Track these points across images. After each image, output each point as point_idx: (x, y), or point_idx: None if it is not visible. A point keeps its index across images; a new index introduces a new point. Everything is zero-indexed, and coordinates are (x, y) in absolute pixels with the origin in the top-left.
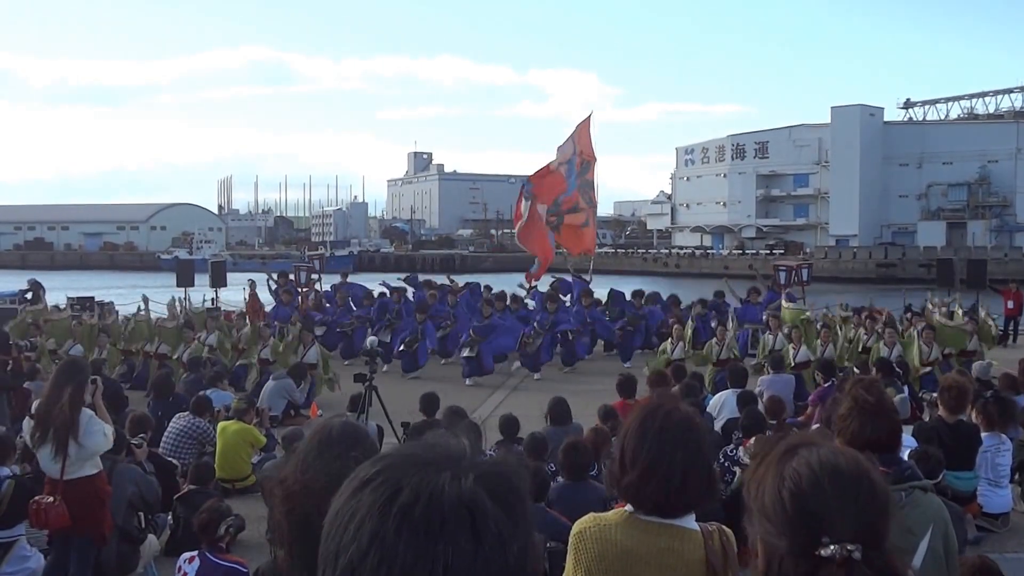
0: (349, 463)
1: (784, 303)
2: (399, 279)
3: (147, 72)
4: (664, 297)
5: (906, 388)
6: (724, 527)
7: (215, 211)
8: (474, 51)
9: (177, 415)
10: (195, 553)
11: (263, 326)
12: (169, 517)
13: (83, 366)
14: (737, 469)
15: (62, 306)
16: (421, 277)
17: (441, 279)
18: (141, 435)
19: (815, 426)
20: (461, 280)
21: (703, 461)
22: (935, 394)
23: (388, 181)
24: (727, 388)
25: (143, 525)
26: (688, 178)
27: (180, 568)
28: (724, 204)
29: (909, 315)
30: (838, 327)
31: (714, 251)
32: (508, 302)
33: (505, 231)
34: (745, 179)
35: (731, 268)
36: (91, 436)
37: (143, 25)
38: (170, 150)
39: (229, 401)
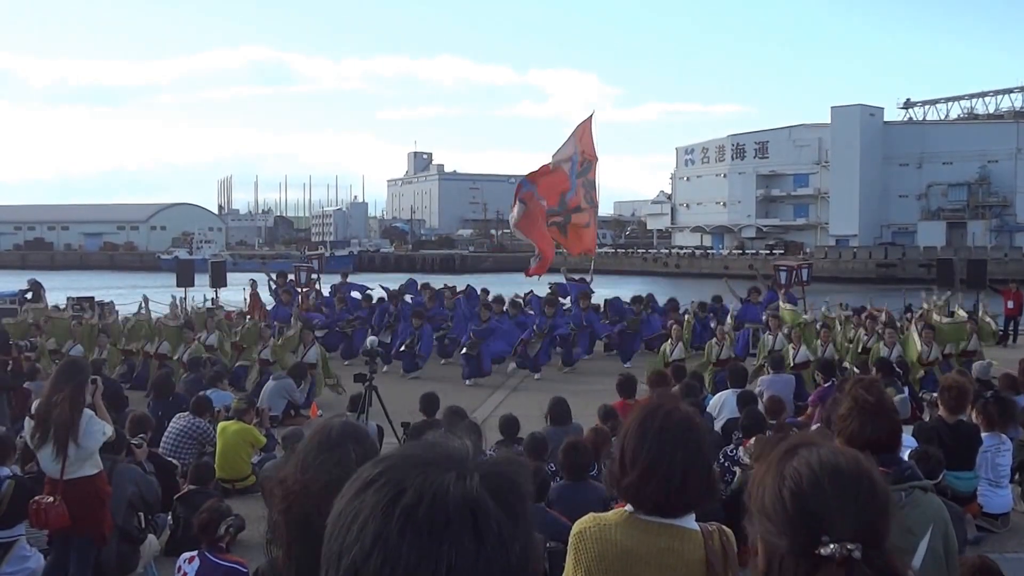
0: (349, 463)
1: (783, 304)
2: (396, 286)
3: (147, 72)
4: (662, 299)
5: (906, 388)
6: (724, 527)
7: (215, 211)
8: (474, 51)
9: (177, 415)
10: (195, 553)
11: (263, 326)
12: (169, 517)
13: (83, 366)
14: (737, 469)
15: (62, 306)
16: (420, 278)
17: (441, 280)
18: (141, 435)
19: (815, 426)
20: (461, 281)
21: (703, 461)
22: (935, 394)
23: (388, 181)
24: (727, 388)
25: (143, 525)
26: (688, 178)
27: (180, 568)
28: (724, 204)
29: (909, 315)
30: (837, 324)
31: (714, 251)
32: (506, 307)
33: (505, 231)
34: (745, 179)
35: (731, 268)
36: (90, 436)
37: (143, 25)
38: (170, 150)
39: (229, 401)
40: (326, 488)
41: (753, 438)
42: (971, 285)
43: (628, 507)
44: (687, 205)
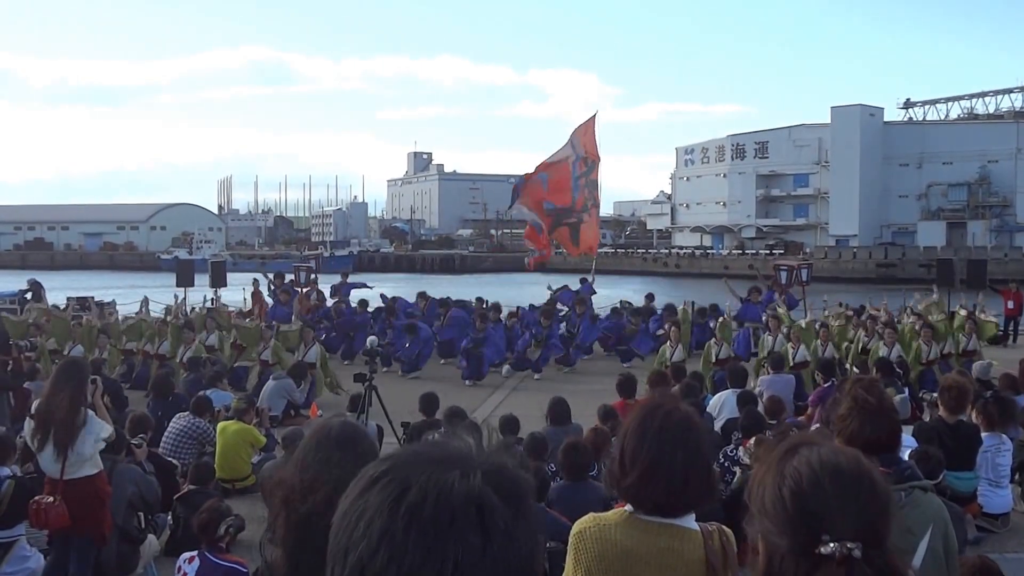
0: (348, 463)
1: (778, 306)
2: (396, 286)
3: (147, 72)
4: (662, 300)
5: (906, 388)
6: (724, 527)
7: (215, 211)
8: (474, 51)
9: (177, 415)
10: (195, 553)
11: (263, 327)
12: (169, 517)
13: (83, 366)
14: (737, 469)
15: (62, 306)
16: (420, 278)
17: (441, 281)
18: (141, 435)
19: (815, 426)
20: (460, 281)
21: (703, 461)
22: (935, 394)
23: (388, 181)
24: (726, 387)
25: (143, 525)
26: (688, 178)
27: (180, 568)
28: (724, 204)
29: (908, 312)
30: (832, 321)
31: (714, 251)
32: (503, 315)
33: (505, 231)
34: (745, 179)
35: (731, 268)
36: (90, 437)
37: (143, 25)
38: (170, 150)
39: (229, 401)
40: (326, 488)
41: (753, 438)
42: (971, 285)
43: (628, 507)
44: (687, 205)
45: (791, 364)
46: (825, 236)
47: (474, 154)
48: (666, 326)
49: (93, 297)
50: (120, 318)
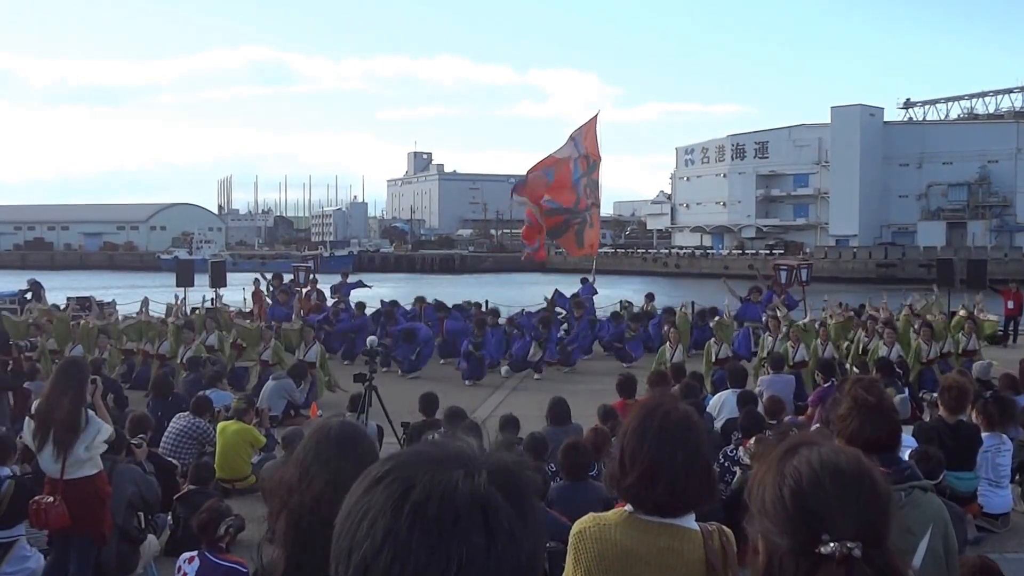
0: (348, 463)
1: (778, 308)
2: (388, 302)
3: (147, 72)
4: (662, 300)
5: (906, 388)
6: (724, 527)
7: (215, 211)
8: (474, 51)
9: (177, 415)
10: (195, 553)
11: (263, 327)
12: (169, 517)
13: (83, 366)
14: (737, 469)
15: (62, 306)
16: (419, 278)
17: (441, 280)
18: (141, 435)
19: (815, 426)
20: (460, 281)
21: (702, 461)
22: (935, 394)
23: (388, 181)
24: (726, 387)
25: (143, 525)
26: (688, 178)
27: (180, 568)
28: (724, 204)
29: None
30: (830, 319)
31: (714, 251)
32: (501, 320)
33: (505, 231)
34: (745, 179)
35: (731, 268)
36: (90, 437)
37: (143, 25)
38: (170, 150)
39: (229, 401)
40: (326, 487)
41: (753, 438)
42: (971, 285)
43: (628, 507)
44: (687, 205)
45: (791, 363)
46: (825, 236)
47: (474, 154)
48: (665, 327)
49: (94, 297)
50: (120, 318)
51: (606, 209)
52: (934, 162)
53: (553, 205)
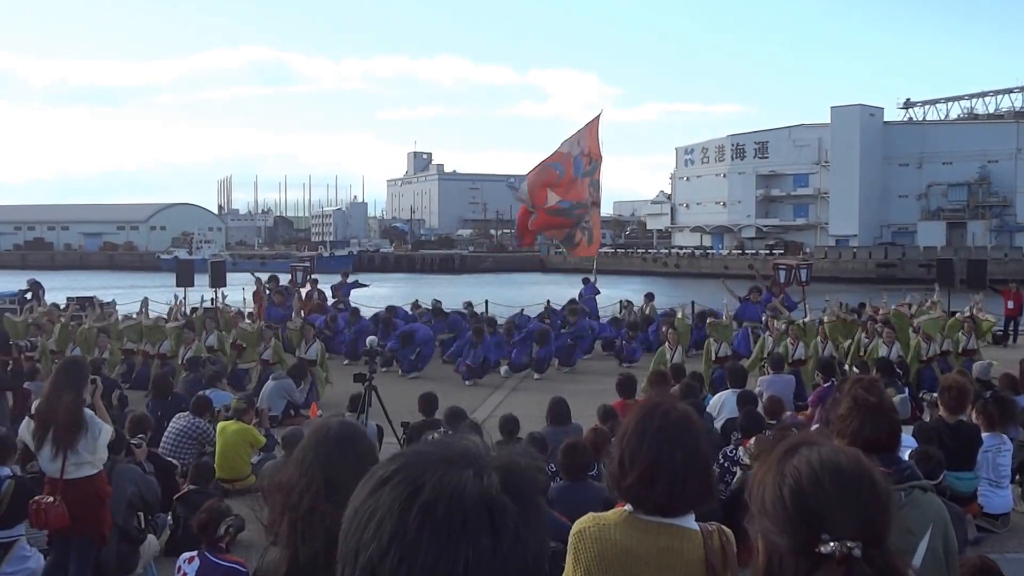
0: (347, 463)
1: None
2: (387, 307)
3: (147, 72)
4: (662, 299)
5: (906, 388)
6: (724, 527)
7: (215, 211)
8: (474, 51)
9: (177, 415)
10: (195, 553)
11: (264, 327)
12: (169, 517)
13: (83, 366)
14: (737, 469)
15: (62, 306)
16: (419, 279)
17: (441, 280)
18: (141, 435)
19: (815, 426)
20: (460, 281)
21: (701, 460)
22: (935, 394)
23: (388, 181)
24: (725, 386)
25: (143, 525)
26: (688, 178)
27: (180, 568)
28: (724, 204)
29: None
30: (827, 319)
31: (714, 251)
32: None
33: (505, 231)
34: (745, 179)
35: (731, 268)
36: (90, 438)
37: (143, 25)
38: (170, 150)
39: (229, 401)
40: (326, 487)
41: (753, 438)
42: (971, 285)
43: (627, 507)
44: (687, 205)
45: (790, 360)
46: (825, 236)
47: (474, 154)
48: (664, 328)
49: (96, 297)
50: (120, 318)
51: (606, 209)
52: (934, 162)
53: (566, 204)
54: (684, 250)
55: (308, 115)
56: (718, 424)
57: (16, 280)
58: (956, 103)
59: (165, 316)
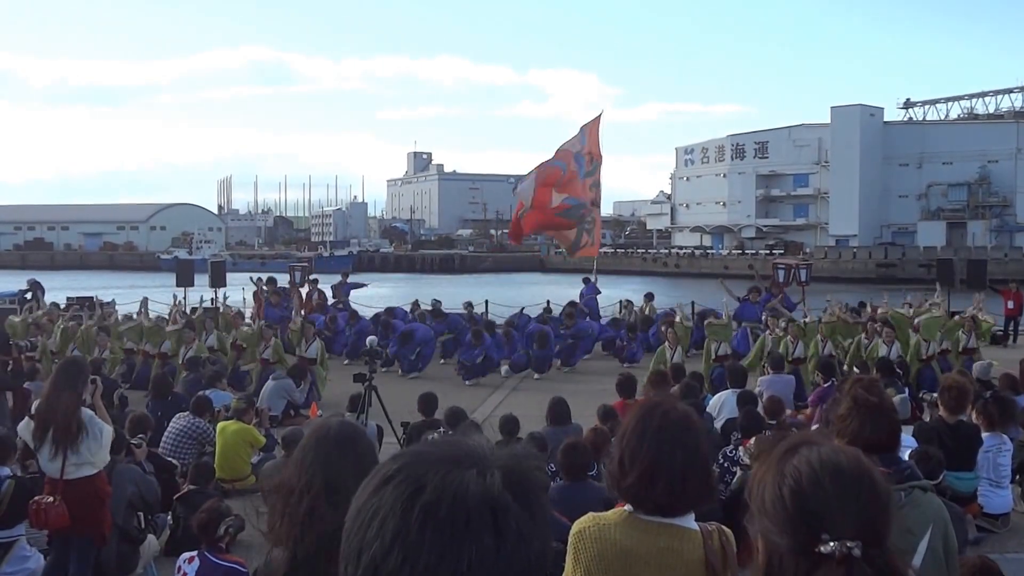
0: (347, 463)
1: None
2: (386, 309)
3: (147, 72)
4: (662, 299)
5: (906, 388)
6: (723, 527)
7: (215, 211)
8: (474, 51)
9: (177, 415)
10: (195, 553)
11: (264, 326)
12: (169, 517)
13: (83, 366)
14: (737, 469)
15: (62, 306)
16: (419, 279)
17: (441, 280)
18: (141, 435)
19: (815, 426)
20: (460, 281)
21: (701, 460)
22: (935, 394)
23: (388, 181)
24: (724, 385)
25: (143, 525)
26: (688, 178)
27: (180, 568)
28: (724, 204)
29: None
30: (826, 319)
31: (714, 251)
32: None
33: (505, 231)
34: (745, 179)
35: (731, 268)
36: (90, 438)
37: (143, 25)
38: (170, 150)
39: (229, 401)
40: (326, 487)
41: (753, 438)
42: (971, 285)
43: (627, 507)
44: (687, 205)
45: (789, 359)
46: (825, 236)
47: (474, 154)
48: (663, 327)
49: (96, 297)
50: (119, 318)
51: (606, 209)
52: (934, 162)
53: (572, 202)
54: (684, 250)
55: (308, 115)
56: (718, 424)
57: (16, 280)
58: (956, 103)
59: (165, 317)
